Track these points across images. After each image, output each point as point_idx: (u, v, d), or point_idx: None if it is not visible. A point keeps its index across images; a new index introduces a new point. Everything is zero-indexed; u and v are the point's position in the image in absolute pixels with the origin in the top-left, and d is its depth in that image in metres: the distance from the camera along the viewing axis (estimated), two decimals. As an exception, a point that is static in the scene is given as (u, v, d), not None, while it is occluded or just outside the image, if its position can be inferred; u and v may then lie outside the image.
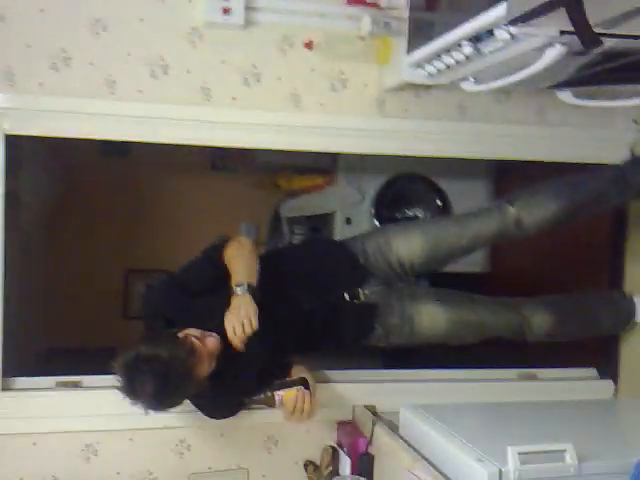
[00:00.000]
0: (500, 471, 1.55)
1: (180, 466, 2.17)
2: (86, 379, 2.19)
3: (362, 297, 2.07)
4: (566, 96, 1.84)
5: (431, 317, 2.11)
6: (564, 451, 1.59)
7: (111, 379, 2.15)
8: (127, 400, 1.73)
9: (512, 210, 2.07)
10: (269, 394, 1.82)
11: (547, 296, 2.28)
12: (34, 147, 2.76)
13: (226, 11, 2.08)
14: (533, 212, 2.07)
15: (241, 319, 1.74)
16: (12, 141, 2.04)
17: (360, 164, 3.29)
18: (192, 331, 1.81)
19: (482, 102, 2.25)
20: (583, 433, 1.82)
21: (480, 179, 3.41)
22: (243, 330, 1.73)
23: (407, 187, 3.37)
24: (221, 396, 1.95)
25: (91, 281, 3.62)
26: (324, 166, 3.41)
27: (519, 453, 1.56)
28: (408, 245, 2.10)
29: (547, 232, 2.13)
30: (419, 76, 1.92)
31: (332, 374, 2.32)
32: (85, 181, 3.59)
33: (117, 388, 1.72)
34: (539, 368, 2.42)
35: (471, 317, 2.14)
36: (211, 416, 2.04)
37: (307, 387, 1.84)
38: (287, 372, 1.99)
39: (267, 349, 1.91)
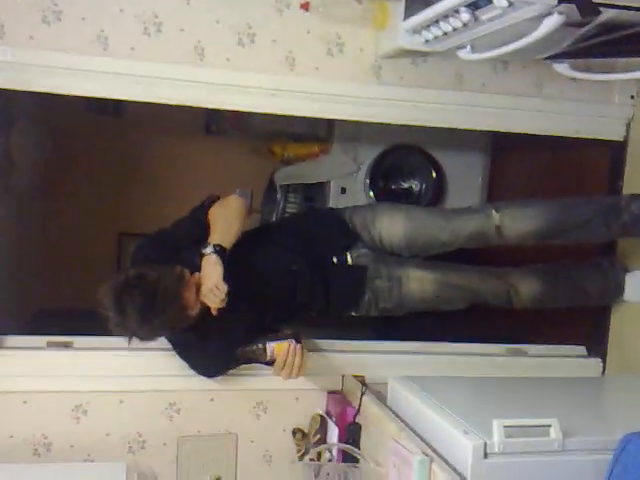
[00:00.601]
0: (485, 443, 1.56)
1: (170, 429, 2.18)
2: (77, 340, 2.19)
3: (350, 260, 2.11)
4: (563, 68, 1.81)
5: (419, 280, 2.13)
6: (549, 426, 1.60)
7: (102, 340, 2.19)
8: (115, 325, 1.75)
9: (496, 216, 2.09)
10: (260, 346, 1.81)
11: (535, 264, 2.29)
12: (24, 104, 2.72)
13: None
14: (516, 223, 2.10)
15: (209, 288, 1.76)
16: (1, 95, 2.01)
17: (356, 133, 3.25)
18: (182, 268, 1.82)
19: (480, 72, 2.21)
20: (569, 409, 1.83)
21: (477, 152, 3.38)
22: (215, 298, 1.75)
23: (403, 158, 3.34)
24: (210, 347, 1.96)
25: (84, 244, 3.60)
26: (320, 134, 3.38)
27: (504, 426, 1.57)
28: (390, 226, 2.13)
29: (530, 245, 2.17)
30: (416, 43, 1.88)
31: (322, 343, 2.31)
32: (77, 142, 3.55)
33: (104, 313, 1.74)
34: (529, 344, 2.42)
35: (459, 281, 2.15)
36: (201, 371, 2.04)
37: (299, 341, 1.83)
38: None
39: (252, 306, 1.93)
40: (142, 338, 1.81)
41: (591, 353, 2.43)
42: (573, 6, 1.31)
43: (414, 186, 3.38)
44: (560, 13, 1.40)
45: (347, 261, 2.12)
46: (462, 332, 2.49)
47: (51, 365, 2.12)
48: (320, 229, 2.17)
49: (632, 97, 2.31)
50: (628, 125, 2.33)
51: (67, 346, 2.18)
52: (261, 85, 2.12)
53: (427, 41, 1.83)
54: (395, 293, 2.12)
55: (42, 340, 2.18)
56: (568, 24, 1.58)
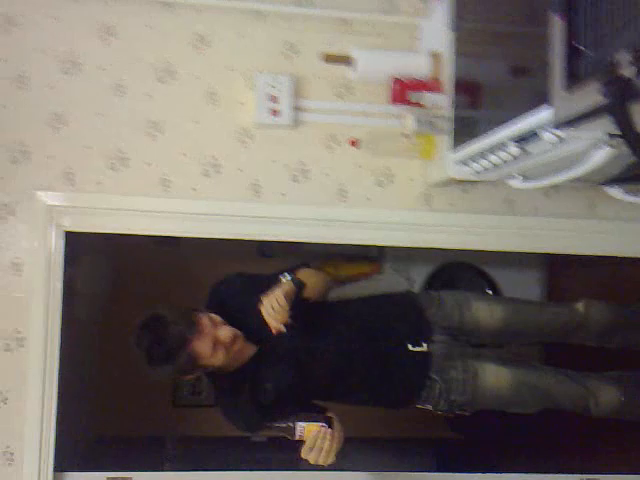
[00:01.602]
0: None
1: None
2: (137, 475, 2.17)
3: (425, 347, 2.01)
4: (616, 193, 1.80)
5: (496, 374, 2.03)
6: None
7: (162, 476, 2.15)
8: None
9: (581, 307, 2.14)
10: (290, 424, 1.74)
11: (612, 372, 2.18)
12: (90, 240, 2.85)
13: (275, 113, 2.16)
14: (602, 312, 2.16)
15: (270, 299, 1.73)
16: (71, 237, 2.12)
17: (408, 252, 3.27)
18: (214, 316, 1.84)
19: (530, 196, 2.23)
20: None
21: (532, 269, 3.34)
22: (273, 313, 1.71)
23: (456, 275, 3.33)
24: (240, 405, 1.92)
25: (141, 370, 3.62)
26: (371, 254, 3.41)
27: None
28: (489, 309, 2.09)
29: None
30: (465, 173, 1.91)
31: (382, 476, 2.22)
32: (137, 271, 3.67)
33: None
34: (606, 475, 2.26)
35: (536, 381, 2.06)
36: (237, 426, 2.00)
37: (330, 425, 1.74)
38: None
39: (295, 372, 1.89)
40: (160, 377, 1.85)
41: (673, 484, 2.25)
42: (621, 140, 1.32)
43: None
44: (611, 146, 1.41)
45: (421, 346, 2.00)
46: (532, 463, 2.36)
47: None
48: (393, 310, 2.08)
49: (690, 216, 2.27)
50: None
51: (126, 482, 2.15)
52: (315, 217, 2.19)
53: (476, 172, 1.86)
54: (469, 386, 2.01)
55: (102, 477, 2.16)
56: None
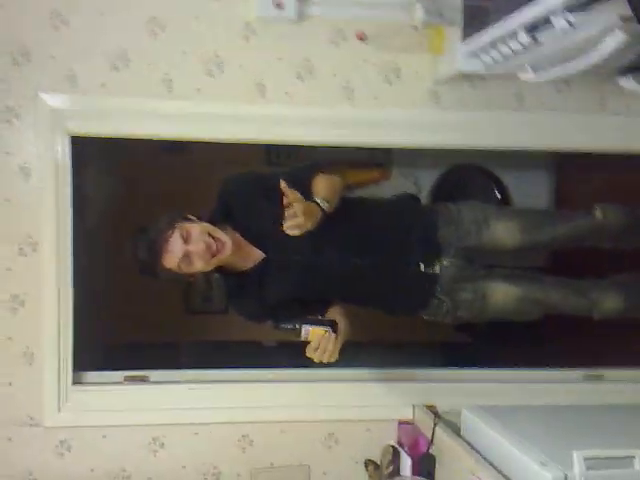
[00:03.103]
0: (566, 476, 1.51)
1: (243, 461, 2.21)
2: (153, 374, 2.25)
3: (437, 269, 2.02)
4: (628, 82, 1.75)
5: (504, 293, 2.07)
6: (633, 457, 1.53)
7: (177, 373, 2.23)
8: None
9: (599, 212, 2.12)
10: (297, 326, 1.80)
11: (617, 276, 2.21)
12: (96, 146, 2.84)
13: (279, 5, 2.08)
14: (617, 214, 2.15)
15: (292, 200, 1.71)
16: (76, 141, 2.10)
17: (416, 156, 3.23)
18: (199, 226, 1.84)
19: (541, 91, 2.17)
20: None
21: (543, 171, 3.30)
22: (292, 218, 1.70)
23: (464, 179, 3.30)
24: (246, 304, 1.98)
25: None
26: (379, 159, 3.37)
27: (585, 458, 1.51)
28: (507, 230, 2.06)
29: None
30: (475, 66, 1.86)
31: (392, 373, 2.30)
32: (144, 178, 3.67)
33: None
34: (606, 369, 2.32)
35: (541, 297, 2.10)
36: (241, 312, 2.03)
37: (335, 330, 1.80)
38: (324, 309, 1.96)
39: (307, 277, 1.93)
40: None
41: (674, 376, 2.31)
42: (636, 23, 1.27)
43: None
44: (623, 31, 1.36)
45: (434, 268, 2.01)
46: (536, 358, 2.41)
47: (128, 399, 2.19)
48: (412, 229, 2.02)
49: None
50: None
51: (144, 380, 2.24)
52: (322, 117, 2.15)
53: (486, 64, 1.81)
54: (477, 305, 2.07)
55: (119, 375, 2.25)
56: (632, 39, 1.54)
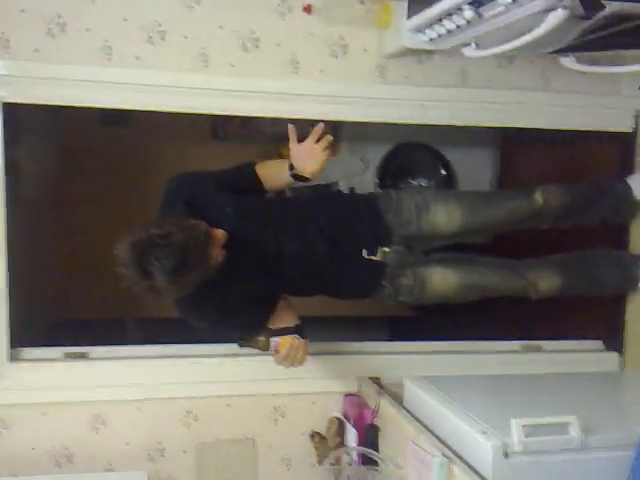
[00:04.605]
0: (504, 443, 1.56)
1: (188, 436, 2.20)
2: (93, 350, 2.21)
3: (380, 256, 2.03)
4: (569, 62, 1.79)
5: (443, 279, 2.11)
6: (568, 424, 1.59)
7: (118, 350, 2.19)
8: (134, 285, 1.63)
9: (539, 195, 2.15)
10: (264, 339, 1.80)
11: (553, 256, 2.27)
12: (34, 116, 2.73)
13: (223, -25, 2.03)
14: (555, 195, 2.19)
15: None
16: (12, 110, 2.02)
17: (363, 132, 3.22)
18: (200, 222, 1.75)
19: (485, 68, 2.20)
20: (588, 405, 1.82)
21: (487, 148, 3.34)
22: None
23: (411, 156, 3.30)
24: (208, 307, 1.89)
25: (95, 252, 3.60)
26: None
27: (523, 425, 1.56)
28: (447, 213, 2.07)
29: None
30: (420, 41, 1.87)
31: (337, 345, 2.32)
32: (86, 150, 3.56)
33: (124, 271, 1.61)
34: (544, 340, 2.40)
35: (480, 281, 2.14)
36: (200, 321, 1.95)
37: (303, 336, 1.82)
38: (273, 304, 1.95)
39: (260, 270, 1.90)
40: (167, 296, 1.71)
41: (608, 347, 2.41)
42: (577, 1, 1.29)
43: (423, 184, 3.34)
44: (564, 8, 1.39)
45: (376, 255, 2.02)
46: (476, 330, 2.47)
47: (68, 376, 2.14)
48: (354, 217, 2.05)
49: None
50: (637, 116, 2.31)
51: (83, 357, 2.20)
52: (266, 90, 2.12)
53: (431, 39, 1.82)
54: (417, 291, 2.10)
55: (59, 352, 2.20)
56: (573, 18, 1.57)
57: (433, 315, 2.26)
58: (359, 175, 3.27)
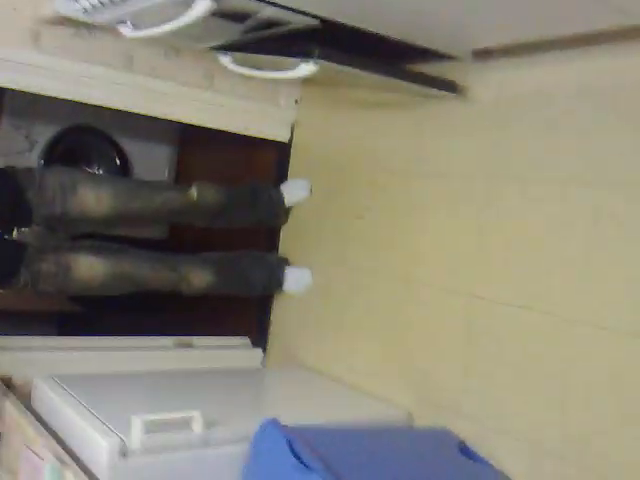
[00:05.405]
0: (122, 441, 1.48)
1: None
2: None
3: (15, 235, 1.87)
4: (226, 61, 1.82)
5: (90, 267, 2.00)
6: (191, 419, 1.57)
7: None
8: None
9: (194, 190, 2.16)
10: None
11: (207, 254, 2.31)
12: None
13: None
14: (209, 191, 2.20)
15: None
16: None
17: (31, 108, 2.92)
18: None
19: (150, 55, 2.12)
20: (221, 401, 1.85)
21: (165, 144, 3.30)
22: None
23: (84, 141, 3.10)
24: None
25: None
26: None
27: (144, 422, 1.50)
28: (96, 195, 1.96)
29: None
30: (73, 10, 1.72)
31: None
32: None
33: None
34: (196, 336, 2.41)
35: (131, 270, 2.08)
36: None
37: None
38: None
39: None
40: None
41: (254, 344, 2.51)
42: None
43: (95, 172, 3.17)
44: (210, -1, 1.38)
45: (11, 234, 1.86)
46: (133, 326, 2.39)
47: None
48: None
49: (296, 102, 2.43)
50: (292, 128, 2.45)
51: None
52: None
53: (85, 10, 1.69)
54: (61, 279, 1.96)
55: None
56: (228, 18, 1.60)
57: (84, 309, 2.11)
58: (22, 153, 2.97)
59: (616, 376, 1.50)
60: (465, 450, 1.74)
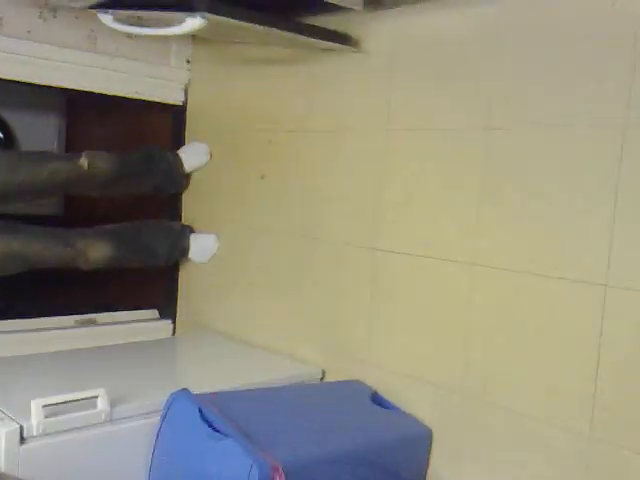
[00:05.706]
0: (21, 427, 1.41)
1: None
2: None
3: None
4: (107, 19, 1.70)
5: None
6: (96, 397, 1.51)
7: None
8: None
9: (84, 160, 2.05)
10: None
11: (106, 226, 2.21)
12: None
13: None
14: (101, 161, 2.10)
15: None
16: None
17: None
18: None
19: (25, 17, 1.96)
20: (127, 376, 1.80)
21: (52, 114, 3.10)
22: None
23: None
24: None
25: None
26: None
27: (44, 405, 1.43)
28: None
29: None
30: None
31: None
32: None
33: None
34: (100, 313, 2.32)
35: (20, 248, 1.97)
36: None
37: None
38: None
39: None
40: None
41: (163, 315, 2.44)
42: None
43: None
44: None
45: None
46: (27, 308, 2.26)
47: None
48: None
49: (188, 61, 2.33)
50: (186, 90, 2.35)
51: None
52: None
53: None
54: None
55: None
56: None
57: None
58: None
59: (513, 313, 1.56)
60: (377, 398, 1.78)
